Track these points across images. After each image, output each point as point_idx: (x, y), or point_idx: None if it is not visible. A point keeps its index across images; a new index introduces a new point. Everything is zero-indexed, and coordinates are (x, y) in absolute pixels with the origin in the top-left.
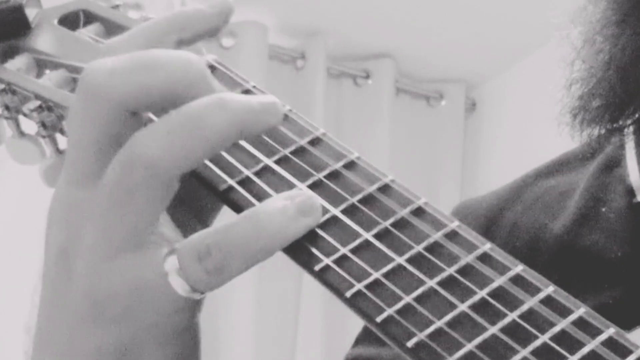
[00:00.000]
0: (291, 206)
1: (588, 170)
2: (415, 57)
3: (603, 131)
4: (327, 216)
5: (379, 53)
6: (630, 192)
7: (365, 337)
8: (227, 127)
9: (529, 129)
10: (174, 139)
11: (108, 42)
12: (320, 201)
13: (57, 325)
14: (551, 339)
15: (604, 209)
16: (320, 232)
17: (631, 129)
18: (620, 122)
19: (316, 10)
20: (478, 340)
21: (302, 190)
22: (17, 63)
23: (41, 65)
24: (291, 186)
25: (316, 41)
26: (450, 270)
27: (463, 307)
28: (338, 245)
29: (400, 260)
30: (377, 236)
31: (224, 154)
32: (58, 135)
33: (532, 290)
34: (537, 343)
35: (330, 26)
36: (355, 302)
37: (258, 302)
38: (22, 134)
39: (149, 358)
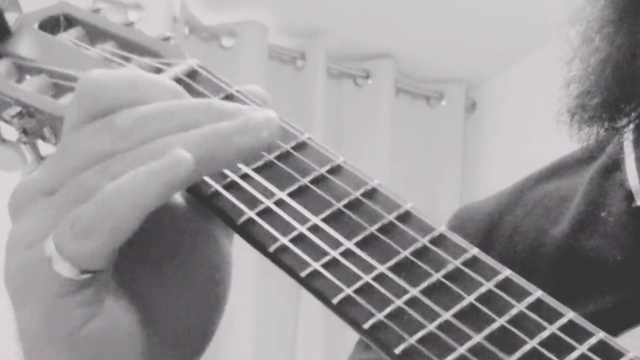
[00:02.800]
0: (154, 166)
1: (587, 174)
2: (415, 57)
3: (601, 131)
4: (311, 223)
5: (379, 53)
6: (630, 196)
7: (364, 342)
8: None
9: (529, 129)
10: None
11: None
12: (188, 157)
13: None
14: (540, 343)
15: (603, 214)
16: (305, 237)
17: (630, 127)
18: (618, 122)
19: (316, 10)
20: (466, 346)
21: (171, 152)
22: None
23: (22, 70)
24: (273, 192)
25: (316, 41)
26: (438, 276)
27: (451, 312)
28: (326, 250)
29: (387, 266)
30: (363, 241)
31: None
32: (39, 142)
33: (521, 294)
34: (526, 348)
35: (330, 26)
36: (342, 309)
37: (258, 302)
38: (2, 140)
39: (46, 347)
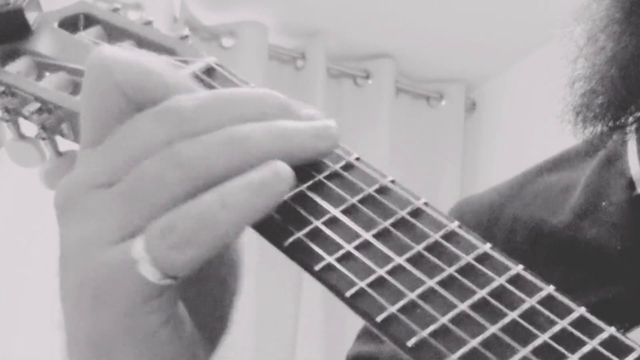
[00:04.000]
0: (256, 179)
1: (589, 166)
2: (415, 57)
3: (605, 129)
4: (327, 216)
5: (379, 53)
6: (631, 185)
7: (365, 334)
8: (271, 147)
9: (529, 129)
10: (218, 148)
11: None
12: (289, 169)
13: (63, 313)
14: (552, 337)
15: (604, 203)
16: (319, 231)
17: (633, 126)
18: (623, 120)
19: (316, 10)
20: (479, 339)
21: (271, 164)
22: (18, 66)
23: (41, 67)
24: (291, 188)
25: (316, 41)
26: (451, 270)
27: (463, 306)
28: (341, 243)
29: (401, 260)
30: (377, 236)
31: None
32: (58, 138)
33: (532, 289)
34: (537, 342)
35: (330, 26)
36: (356, 302)
37: (258, 302)
38: (22, 136)
39: (125, 351)
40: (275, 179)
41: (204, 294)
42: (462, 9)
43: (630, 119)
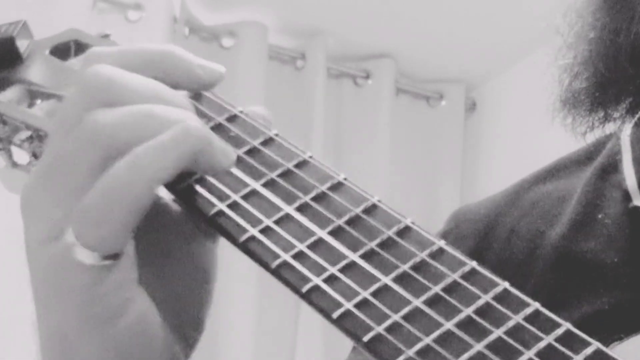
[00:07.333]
0: (165, 136)
1: (585, 175)
2: (415, 57)
3: (596, 122)
4: (313, 238)
5: (379, 53)
6: (627, 196)
7: None
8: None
9: (529, 129)
10: (128, 117)
11: (95, 48)
12: (199, 126)
13: (35, 313)
14: (537, 354)
15: (600, 215)
16: (306, 253)
17: (628, 133)
18: (610, 109)
19: (316, 10)
20: (464, 357)
21: (182, 123)
22: (9, 94)
23: (33, 95)
24: (277, 209)
25: (316, 41)
26: (437, 289)
27: (449, 325)
28: (326, 266)
29: (387, 279)
30: (364, 257)
31: (213, 179)
32: None
33: (518, 306)
34: (522, 359)
35: (330, 26)
36: (342, 323)
37: (258, 302)
38: (14, 164)
39: (87, 342)
40: (185, 135)
41: (173, 296)
42: (462, 9)
43: (620, 110)
